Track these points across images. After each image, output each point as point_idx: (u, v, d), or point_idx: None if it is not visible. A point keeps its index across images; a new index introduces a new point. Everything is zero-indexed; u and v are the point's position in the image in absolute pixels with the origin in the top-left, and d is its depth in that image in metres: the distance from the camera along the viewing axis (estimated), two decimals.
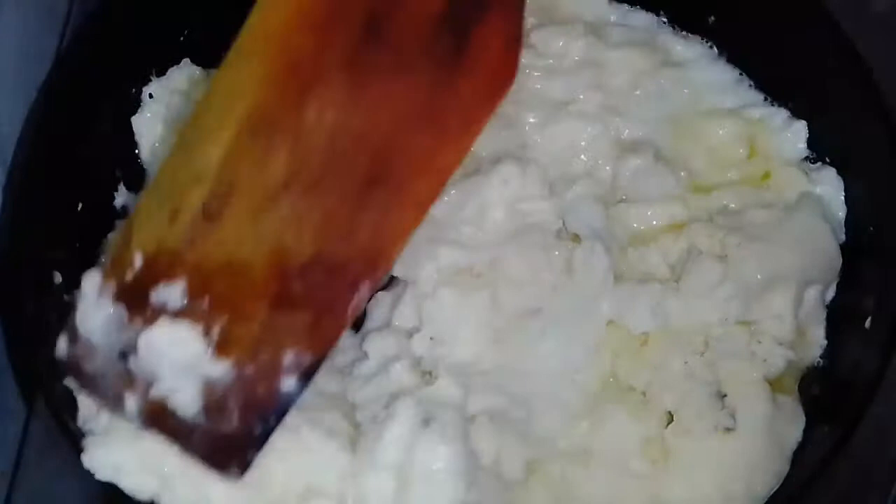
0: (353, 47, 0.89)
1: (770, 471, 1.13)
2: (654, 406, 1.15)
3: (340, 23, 0.89)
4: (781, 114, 1.29)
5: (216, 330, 0.92)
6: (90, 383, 0.97)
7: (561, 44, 1.28)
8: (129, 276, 0.95)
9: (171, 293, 0.93)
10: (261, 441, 0.93)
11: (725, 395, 1.15)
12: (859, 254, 1.21)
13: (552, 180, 1.22)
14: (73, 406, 1.12)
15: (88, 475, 1.08)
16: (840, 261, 1.21)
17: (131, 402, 0.96)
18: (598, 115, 1.26)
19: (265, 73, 0.91)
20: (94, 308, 0.97)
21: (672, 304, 1.17)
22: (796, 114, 1.28)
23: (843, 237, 1.23)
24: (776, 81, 1.31)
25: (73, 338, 0.97)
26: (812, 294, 1.18)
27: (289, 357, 0.92)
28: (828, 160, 1.27)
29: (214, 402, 0.93)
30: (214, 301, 0.92)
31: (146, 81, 1.31)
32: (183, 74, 1.31)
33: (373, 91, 0.90)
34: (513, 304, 1.16)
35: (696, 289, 1.17)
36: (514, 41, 0.90)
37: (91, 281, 0.98)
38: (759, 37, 1.30)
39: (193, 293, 0.92)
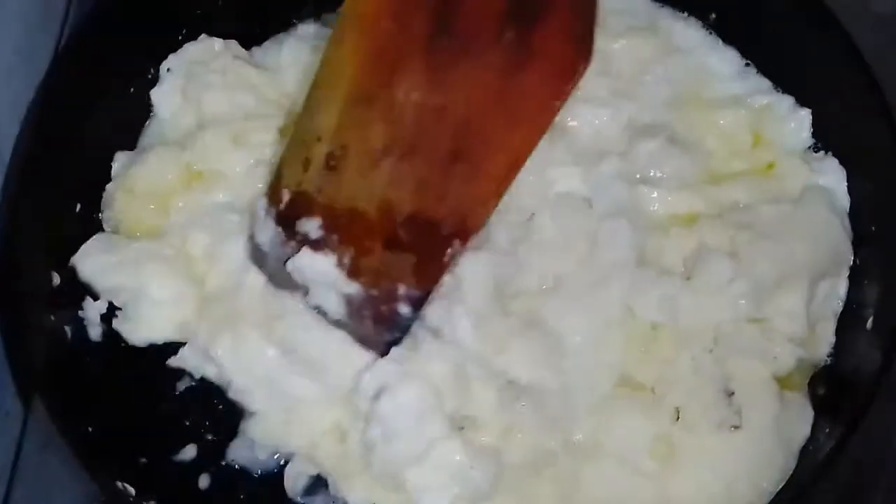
0: (428, 36, 1.00)
1: (776, 468, 1.12)
2: (663, 403, 1.14)
3: (414, 12, 1.00)
4: (787, 101, 1.28)
5: (346, 260, 1.12)
6: (272, 278, 1.18)
7: None
8: (281, 207, 1.15)
9: (311, 226, 1.13)
10: (391, 344, 1.14)
11: (733, 393, 1.14)
12: (860, 253, 1.21)
13: (577, 154, 1.23)
14: (70, 406, 1.12)
15: (86, 475, 1.07)
16: (851, 251, 1.21)
17: (298, 298, 1.17)
18: (609, 100, 1.27)
19: (359, 54, 1.04)
20: (263, 225, 1.17)
21: (683, 301, 1.17)
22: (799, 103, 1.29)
23: (849, 228, 1.22)
24: (778, 76, 1.31)
25: (254, 245, 1.19)
26: (823, 288, 1.18)
27: (402, 289, 1.11)
28: (829, 152, 1.27)
29: (355, 311, 1.14)
30: (342, 237, 1.12)
31: (144, 78, 1.31)
32: (200, 47, 1.32)
33: (448, 76, 1.01)
34: (539, 268, 1.19)
35: (708, 287, 1.17)
36: (578, 39, 0.97)
37: (261, 203, 1.18)
38: (759, 34, 1.30)
39: (327, 228, 1.12)
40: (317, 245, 1.12)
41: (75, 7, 1.38)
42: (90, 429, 1.13)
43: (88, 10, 1.32)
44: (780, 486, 1.12)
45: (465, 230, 1.07)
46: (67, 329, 1.19)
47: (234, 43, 1.33)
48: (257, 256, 1.19)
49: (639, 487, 1.12)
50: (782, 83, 1.30)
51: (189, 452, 1.19)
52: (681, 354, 1.17)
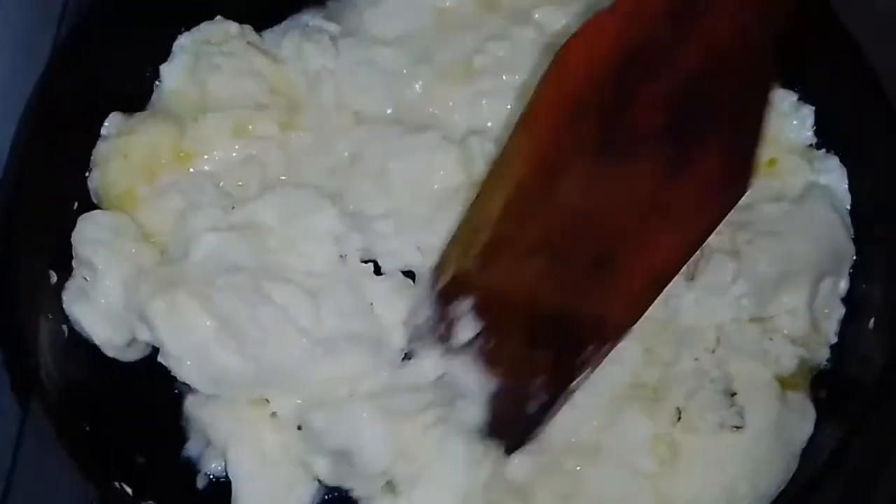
0: (592, 145, 1.04)
1: (778, 469, 1.12)
2: (665, 404, 1.15)
3: (582, 123, 1.04)
4: (790, 97, 1.28)
5: (489, 346, 1.14)
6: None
7: (563, 22, 1.30)
8: (440, 286, 1.17)
9: (462, 309, 1.14)
10: (518, 443, 1.15)
11: (735, 394, 1.14)
12: (863, 252, 1.21)
13: None
14: (67, 406, 1.12)
15: (83, 476, 1.07)
16: (852, 250, 1.21)
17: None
18: None
19: (527, 156, 1.07)
20: (426, 301, 1.18)
21: (685, 300, 1.17)
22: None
23: (850, 226, 1.22)
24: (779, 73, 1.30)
25: (413, 326, 1.20)
26: (825, 287, 1.18)
27: (535, 386, 1.12)
28: (830, 150, 1.27)
29: (493, 410, 1.14)
30: (490, 323, 1.13)
31: (142, 75, 1.31)
32: (215, 27, 1.32)
33: (605, 185, 1.04)
34: None
35: (710, 287, 1.17)
36: (737, 165, 1.00)
37: (430, 279, 1.21)
38: None
39: (477, 312, 1.13)
40: (463, 350, 1.14)
41: (73, 3, 1.37)
42: (87, 428, 1.13)
43: (86, 7, 1.31)
44: (783, 487, 1.12)
45: (601, 337, 1.09)
46: (65, 328, 1.19)
47: (248, 28, 1.32)
48: (414, 337, 1.20)
49: (640, 488, 1.12)
50: (783, 80, 1.29)
51: (187, 452, 1.18)
52: (683, 354, 1.17)
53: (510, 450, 1.14)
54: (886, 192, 1.19)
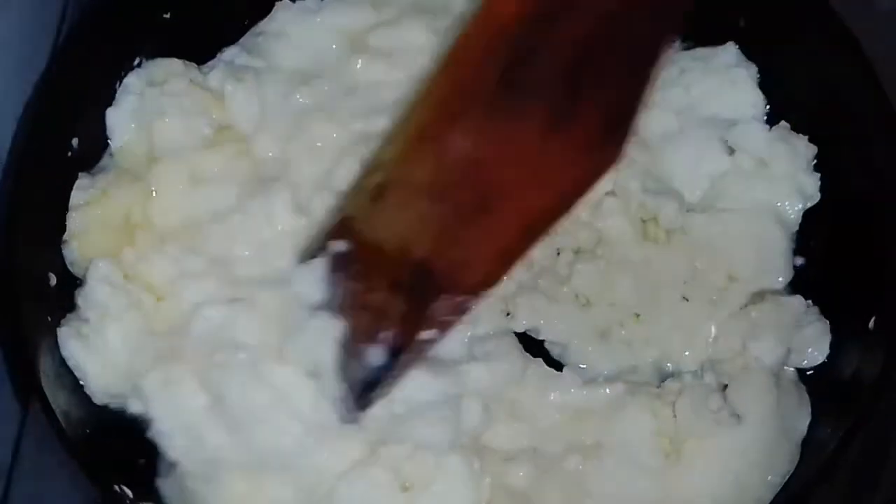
0: (492, 88, 1.02)
1: (782, 458, 1.13)
2: (666, 399, 1.15)
3: (487, 68, 1.03)
4: None
5: (351, 290, 1.12)
6: None
7: None
8: (329, 227, 1.17)
9: (339, 246, 1.12)
10: (363, 391, 1.12)
11: (729, 386, 1.16)
12: (865, 251, 1.21)
13: None
14: (68, 407, 1.12)
15: (83, 477, 1.07)
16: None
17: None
18: None
19: (436, 93, 1.08)
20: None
21: None
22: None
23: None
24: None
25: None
26: None
27: (385, 335, 1.09)
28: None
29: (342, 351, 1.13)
30: (360, 269, 1.11)
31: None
32: (161, 65, 1.28)
33: (497, 129, 1.03)
34: None
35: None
36: (615, 130, 1.00)
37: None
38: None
39: (353, 254, 1.12)
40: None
41: (73, 5, 1.37)
42: (88, 430, 1.13)
43: (86, 7, 1.31)
44: (788, 476, 1.13)
45: (459, 285, 1.07)
46: None
47: (193, 66, 1.30)
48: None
49: (646, 483, 1.12)
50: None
51: None
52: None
53: (359, 407, 1.12)
54: (887, 189, 1.19)
